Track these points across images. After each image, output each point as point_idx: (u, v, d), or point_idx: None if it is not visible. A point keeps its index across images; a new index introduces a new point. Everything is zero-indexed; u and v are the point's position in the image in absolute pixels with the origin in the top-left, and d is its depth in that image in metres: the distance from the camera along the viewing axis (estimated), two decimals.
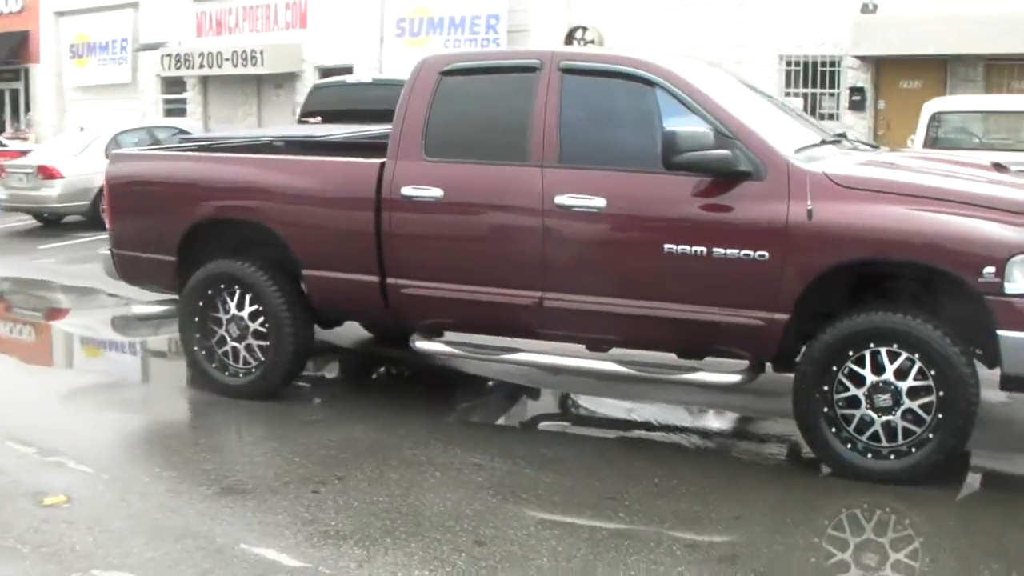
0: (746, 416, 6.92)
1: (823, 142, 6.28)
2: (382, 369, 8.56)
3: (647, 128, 6.03)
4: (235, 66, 22.97)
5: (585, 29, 19.74)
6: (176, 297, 7.43)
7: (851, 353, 5.45)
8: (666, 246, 5.69)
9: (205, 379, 7.13)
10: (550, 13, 20.47)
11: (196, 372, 7.26)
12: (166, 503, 5.17)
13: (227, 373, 7.04)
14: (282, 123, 22.92)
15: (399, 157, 6.38)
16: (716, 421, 6.95)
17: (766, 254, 5.49)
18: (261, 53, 22.64)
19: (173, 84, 25.64)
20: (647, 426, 6.81)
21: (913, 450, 5.42)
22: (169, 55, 24.22)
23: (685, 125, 5.63)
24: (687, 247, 5.65)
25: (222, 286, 6.95)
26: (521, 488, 5.39)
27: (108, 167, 7.58)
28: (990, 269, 5.17)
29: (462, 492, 5.31)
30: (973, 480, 5.84)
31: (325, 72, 23.45)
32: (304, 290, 6.86)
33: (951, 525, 5.07)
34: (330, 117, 13.47)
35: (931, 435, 5.36)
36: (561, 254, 5.99)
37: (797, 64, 18.30)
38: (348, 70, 22.51)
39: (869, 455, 5.49)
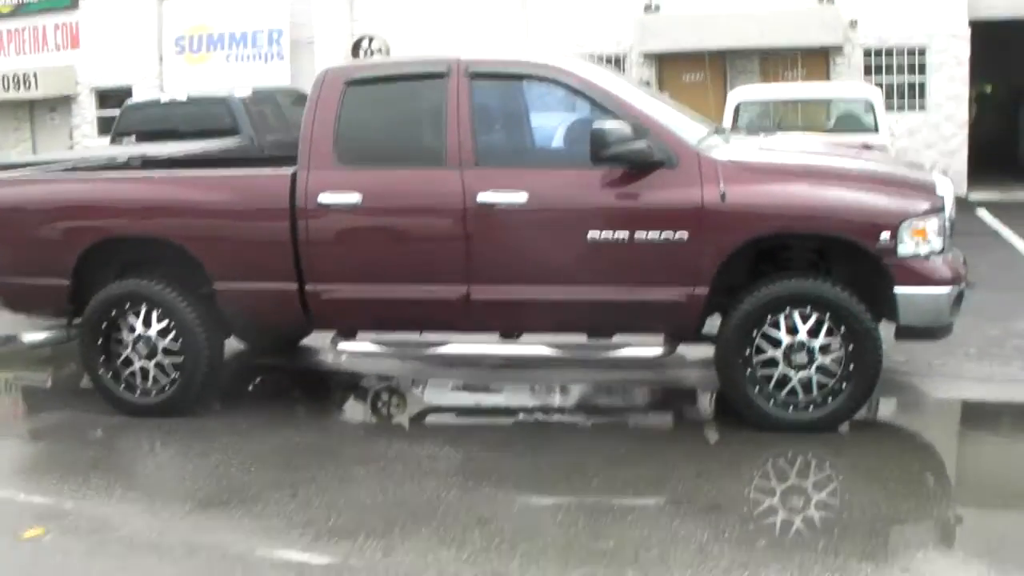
0: (651, 388, 7.43)
1: (715, 131, 6.82)
2: (259, 379, 8.53)
3: (558, 126, 6.42)
4: (7, 90, 21.91)
5: (372, 39, 19.89)
6: (61, 321, 7.32)
7: (768, 318, 6.00)
8: (589, 234, 6.07)
9: (112, 401, 6.95)
10: (333, 24, 20.56)
11: (102, 394, 7.00)
12: (152, 523, 5.15)
13: (137, 393, 6.94)
14: (59, 148, 22.06)
15: (311, 167, 6.49)
16: (628, 397, 7.42)
17: (685, 234, 5.96)
18: (35, 76, 21.68)
19: None
20: (558, 409, 7.20)
21: (828, 400, 6.02)
22: None
23: (602, 122, 6.00)
24: (610, 233, 6.06)
25: (127, 305, 6.86)
26: (488, 471, 5.66)
27: None
28: (886, 234, 5.84)
29: (435, 481, 5.53)
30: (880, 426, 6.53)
31: (103, 94, 22.77)
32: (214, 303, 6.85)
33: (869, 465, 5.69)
34: (145, 136, 13.25)
35: (843, 385, 5.98)
36: (486, 248, 6.27)
37: None
38: (127, 91, 21.84)
39: (790, 408, 6.06)
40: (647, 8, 18.03)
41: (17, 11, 23.03)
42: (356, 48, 20.00)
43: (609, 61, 18.82)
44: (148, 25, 21.82)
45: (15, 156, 21.79)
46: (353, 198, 6.38)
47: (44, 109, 23.39)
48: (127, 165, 8.55)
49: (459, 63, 6.47)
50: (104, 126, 22.44)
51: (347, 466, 5.85)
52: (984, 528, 4.84)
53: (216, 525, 5.10)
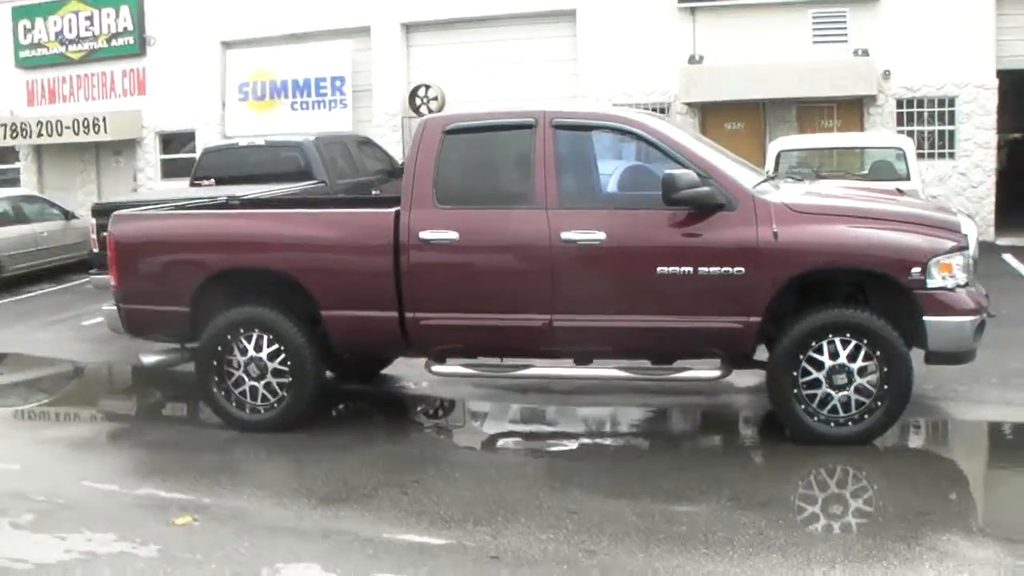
0: (704, 412, 8.31)
1: (767, 179, 7.71)
2: (348, 403, 9.27)
3: (631, 171, 7.34)
4: (76, 133, 22.98)
5: (428, 87, 20.90)
6: (177, 345, 8.21)
7: (813, 343, 6.83)
8: (659, 268, 6.94)
9: (225, 417, 7.84)
10: (391, 73, 21.56)
11: (215, 411, 7.89)
12: (285, 513, 6.03)
13: (247, 410, 7.80)
14: (123, 190, 23.12)
15: (412, 206, 7.38)
16: (685, 419, 8.30)
17: (743, 269, 6.82)
18: (103, 120, 22.80)
19: (3, 154, 25.40)
20: (623, 428, 8.07)
21: (865, 417, 6.84)
22: (3, 125, 24.08)
23: (673, 168, 6.89)
24: (677, 268, 6.92)
25: (241, 330, 7.74)
26: (570, 475, 6.53)
27: (113, 227, 8.14)
28: (916, 269, 6.69)
29: (526, 482, 6.40)
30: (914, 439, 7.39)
31: (166, 138, 23.91)
32: (321, 329, 7.70)
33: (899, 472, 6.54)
34: (222, 179, 14.13)
35: (879, 403, 6.81)
36: (568, 281, 7.12)
37: None
38: (191, 135, 23.08)
39: (831, 424, 6.88)
40: (691, 59, 18.95)
41: (87, 58, 24.23)
42: (413, 96, 21.01)
43: (654, 109, 19.73)
44: (212, 72, 22.93)
45: (81, 197, 23.02)
46: (451, 235, 7.25)
47: (109, 152, 24.51)
48: (227, 205, 9.50)
49: (545, 115, 7.37)
50: (167, 169, 23.64)
51: (446, 471, 6.72)
52: (1000, 520, 5.68)
53: (342, 515, 5.96)
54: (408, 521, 5.81)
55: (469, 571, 5.09)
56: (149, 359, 8.38)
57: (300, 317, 7.71)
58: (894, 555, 5.03)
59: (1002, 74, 17.91)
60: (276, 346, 7.68)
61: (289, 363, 7.67)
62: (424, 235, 7.30)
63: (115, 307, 8.31)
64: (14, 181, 24.71)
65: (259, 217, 8.23)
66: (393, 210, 7.47)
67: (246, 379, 7.78)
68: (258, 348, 7.72)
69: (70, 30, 24.25)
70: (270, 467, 7.13)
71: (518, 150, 7.41)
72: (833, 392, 6.84)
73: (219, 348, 7.79)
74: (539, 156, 7.23)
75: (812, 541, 5.29)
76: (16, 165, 25.37)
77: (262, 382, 7.75)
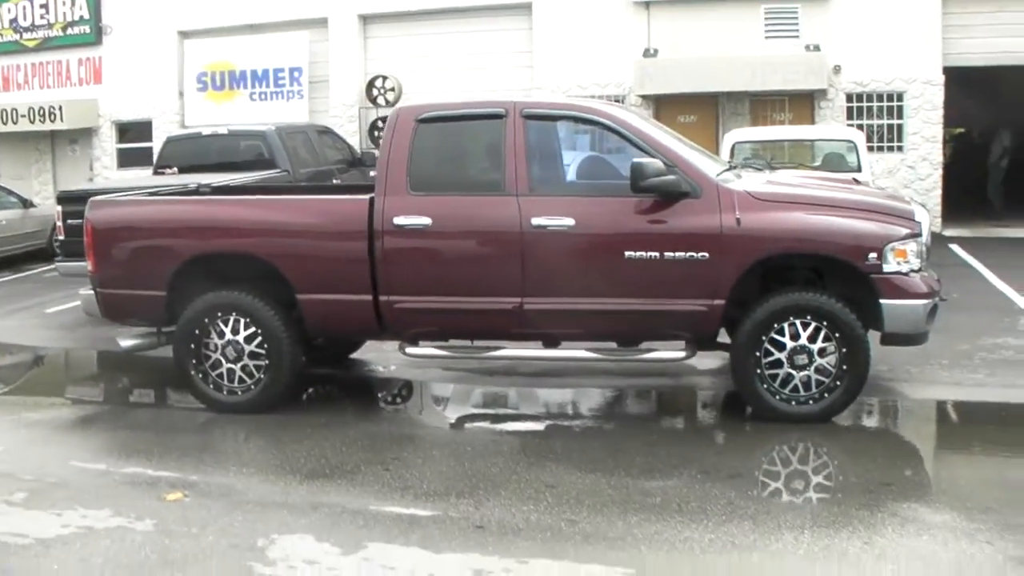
0: (670, 392, 8.61)
1: (730, 168, 8.01)
2: (321, 385, 9.39)
3: (601, 161, 7.60)
4: (31, 122, 22.87)
5: (385, 78, 21.06)
6: (153, 329, 8.36)
7: (775, 325, 7.14)
8: (626, 253, 7.21)
9: (202, 399, 8.01)
10: (349, 64, 21.71)
11: (193, 393, 8.06)
12: (273, 489, 6.23)
13: (224, 392, 7.98)
14: (79, 179, 23.03)
15: (387, 193, 7.59)
16: (652, 400, 8.58)
17: (707, 254, 7.11)
18: (59, 109, 22.72)
19: None
20: (593, 408, 8.35)
21: (825, 395, 7.17)
22: None
23: (640, 157, 7.16)
24: (643, 253, 7.19)
25: (219, 314, 7.91)
26: (545, 452, 6.78)
27: (91, 213, 8.23)
28: (873, 255, 7.01)
29: (502, 458, 6.64)
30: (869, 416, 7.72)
31: (122, 127, 23.86)
32: (297, 313, 7.90)
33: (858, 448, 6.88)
34: (186, 168, 14.25)
35: (838, 382, 7.13)
36: (538, 265, 7.37)
37: None
38: (147, 124, 23.07)
39: (792, 403, 7.20)
40: (646, 53, 19.29)
41: (43, 46, 24.13)
42: (370, 87, 21.16)
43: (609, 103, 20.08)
44: (169, 61, 22.93)
45: (36, 185, 22.93)
46: (424, 221, 7.47)
47: (64, 141, 24.41)
48: (198, 192, 9.62)
49: (515, 105, 7.62)
50: (123, 158, 23.60)
51: (425, 448, 6.97)
52: (954, 490, 5.98)
53: (328, 490, 6.18)
54: (392, 495, 6.03)
55: (457, 539, 5.32)
56: (126, 343, 8.49)
57: (276, 301, 7.88)
58: (858, 521, 5.35)
59: (948, 71, 18.43)
60: (252, 329, 7.86)
61: (266, 346, 7.85)
62: (398, 221, 7.51)
63: (92, 291, 8.44)
64: None
65: (236, 203, 8.40)
66: (368, 196, 7.67)
67: (223, 361, 7.95)
68: (235, 331, 7.88)
69: (25, 18, 24.16)
70: (251, 446, 7.32)
71: (489, 139, 7.64)
72: (794, 372, 7.16)
73: (197, 331, 7.95)
74: (509, 145, 7.46)
75: (781, 510, 5.61)
76: None
77: (239, 364, 7.93)
